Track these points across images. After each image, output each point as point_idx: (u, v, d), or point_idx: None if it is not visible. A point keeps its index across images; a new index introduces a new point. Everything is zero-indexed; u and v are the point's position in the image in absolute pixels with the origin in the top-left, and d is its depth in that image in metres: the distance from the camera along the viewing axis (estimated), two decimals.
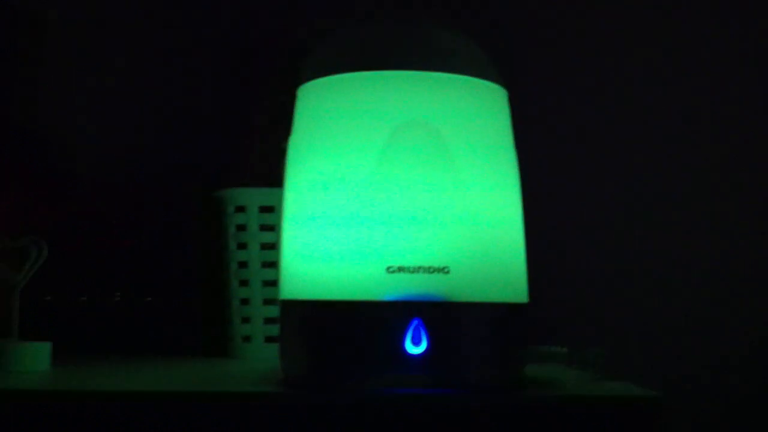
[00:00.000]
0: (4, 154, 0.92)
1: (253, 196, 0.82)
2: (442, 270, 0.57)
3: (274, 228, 0.81)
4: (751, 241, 0.96)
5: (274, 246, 0.82)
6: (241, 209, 0.82)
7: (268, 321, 0.82)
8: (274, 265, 0.81)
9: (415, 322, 0.57)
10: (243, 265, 0.82)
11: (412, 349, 0.57)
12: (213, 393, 0.57)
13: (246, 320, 0.82)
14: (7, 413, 0.55)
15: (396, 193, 0.58)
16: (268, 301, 0.82)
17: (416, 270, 0.57)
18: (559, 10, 0.99)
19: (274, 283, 0.82)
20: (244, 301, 0.83)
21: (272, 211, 0.82)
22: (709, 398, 0.93)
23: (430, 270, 0.57)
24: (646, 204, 0.97)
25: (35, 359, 0.67)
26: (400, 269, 0.57)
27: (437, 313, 0.57)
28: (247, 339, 0.82)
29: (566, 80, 0.98)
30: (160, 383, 0.62)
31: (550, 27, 0.99)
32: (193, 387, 0.60)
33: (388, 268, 0.57)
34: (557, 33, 0.99)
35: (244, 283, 0.83)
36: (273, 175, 0.84)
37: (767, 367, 0.94)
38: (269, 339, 0.82)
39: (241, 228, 0.82)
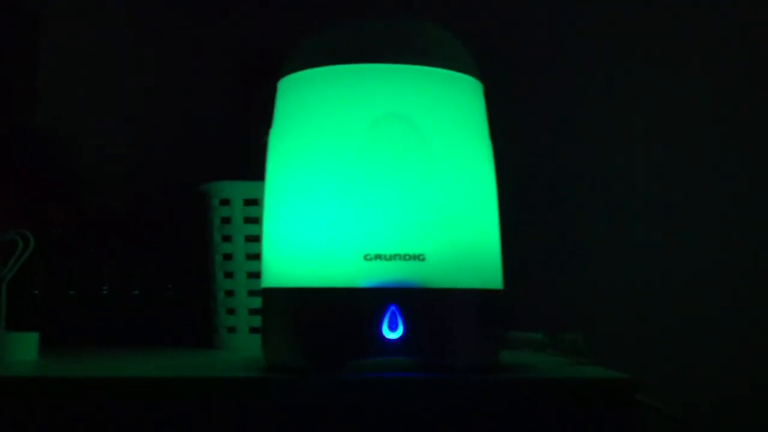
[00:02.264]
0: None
1: (237, 189, 0.83)
2: (418, 257, 0.59)
3: (258, 220, 0.83)
4: (730, 225, 0.98)
5: (258, 238, 0.83)
6: (225, 202, 0.83)
7: (253, 312, 0.83)
8: (258, 257, 0.83)
9: (392, 308, 0.58)
10: (228, 257, 0.84)
11: (389, 335, 0.58)
12: (198, 378, 0.59)
13: (231, 311, 0.84)
14: None
15: (373, 183, 0.60)
16: (253, 293, 0.83)
17: (393, 257, 0.59)
18: (540, 6, 1.01)
19: (258, 275, 0.83)
20: (229, 293, 0.84)
21: (256, 203, 0.83)
22: (685, 383, 0.95)
23: (407, 257, 0.59)
24: (620, 190, 0.99)
25: (23, 349, 0.68)
26: (377, 257, 0.59)
27: (413, 300, 0.58)
28: (231, 330, 0.84)
29: (541, 74, 1.00)
30: (147, 371, 0.63)
31: (529, 21, 1.01)
32: (179, 374, 0.62)
33: (366, 256, 0.59)
34: (535, 27, 1.01)
35: (228, 275, 0.84)
36: (257, 169, 0.86)
37: (745, 349, 0.96)
38: (254, 330, 0.83)
39: (226, 221, 0.84)
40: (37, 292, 0.93)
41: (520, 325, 0.70)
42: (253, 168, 0.86)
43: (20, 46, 0.99)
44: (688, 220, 0.98)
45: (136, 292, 0.95)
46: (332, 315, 0.59)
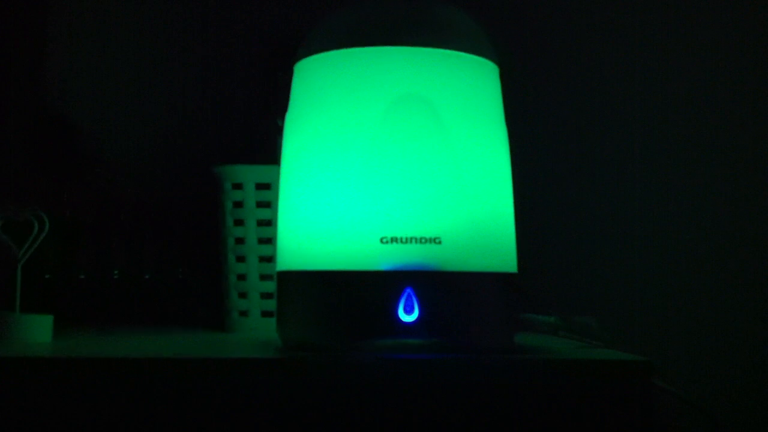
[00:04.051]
0: (11, 133, 0.94)
1: (249, 173, 0.83)
2: (434, 240, 0.59)
3: (270, 205, 0.83)
4: (741, 211, 0.98)
5: (270, 222, 0.83)
6: (238, 186, 0.84)
7: (265, 296, 0.84)
8: (270, 241, 0.83)
9: (408, 291, 0.59)
10: (240, 241, 0.84)
11: (405, 317, 0.59)
12: (215, 359, 0.59)
13: (243, 295, 0.84)
14: (11, 380, 0.57)
15: (390, 166, 0.60)
16: (264, 277, 0.84)
17: (409, 240, 0.59)
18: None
19: (270, 259, 0.83)
20: (241, 277, 0.84)
21: (269, 188, 0.83)
22: (698, 368, 0.95)
23: (423, 240, 0.59)
24: (634, 175, 0.99)
25: (38, 331, 0.69)
26: (393, 240, 0.59)
27: (429, 282, 0.59)
28: (243, 313, 0.84)
29: (556, 57, 1.00)
30: (163, 351, 0.64)
31: (544, 5, 1.01)
32: (195, 354, 0.62)
33: (382, 239, 0.59)
34: (550, 10, 1.01)
35: (240, 258, 0.84)
36: (270, 152, 0.86)
37: (759, 337, 0.97)
38: (265, 313, 0.84)
39: (238, 205, 0.84)
40: (48, 276, 0.94)
41: (533, 308, 0.70)
42: (264, 151, 0.87)
43: (27, 28, 0.99)
44: (705, 205, 0.98)
45: (147, 276, 0.96)
46: (349, 297, 0.59)
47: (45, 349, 0.64)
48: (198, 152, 0.96)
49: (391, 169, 0.60)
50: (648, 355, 0.60)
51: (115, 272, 0.95)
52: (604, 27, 1.00)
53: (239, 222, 0.84)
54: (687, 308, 0.97)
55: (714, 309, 0.97)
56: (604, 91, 1.00)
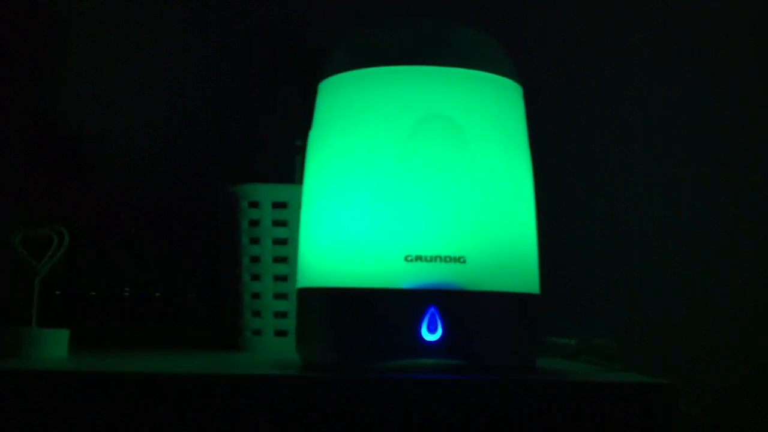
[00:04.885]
0: (25, 147, 0.94)
1: (266, 192, 0.83)
2: (459, 260, 0.59)
3: (286, 223, 0.83)
4: (761, 233, 0.98)
5: (286, 241, 0.83)
6: (254, 205, 0.83)
7: (279, 315, 0.83)
8: (285, 260, 0.83)
9: (431, 310, 0.58)
10: (255, 259, 0.84)
11: (428, 336, 0.58)
12: (234, 375, 0.58)
13: (256, 314, 0.84)
14: (29, 394, 0.56)
15: (415, 185, 0.60)
16: (279, 296, 0.83)
17: (433, 259, 0.59)
18: (572, 8, 1.01)
19: (285, 278, 0.83)
20: (255, 295, 0.84)
21: (285, 206, 0.83)
22: (719, 391, 0.94)
23: (447, 259, 0.59)
24: (656, 198, 0.98)
25: (54, 345, 0.68)
26: (418, 258, 0.59)
27: (453, 302, 0.59)
28: (257, 332, 0.84)
29: (579, 77, 1.00)
30: (179, 368, 0.63)
31: (564, 25, 1.01)
32: (211, 371, 0.61)
33: (406, 257, 0.59)
34: (571, 31, 1.01)
35: (255, 277, 0.84)
36: (286, 171, 0.86)
37: None
38: (279, 333, 0.83)
39: (254, 223, 0.84)
40: (59, 292, 0.93)
41: (554, 330, 0.70)
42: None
43: (39, 41, 0.99)
44: (728, 229, 0.98)
45: (158, 294, 0.95)
46: (372, 316, 0.59)
47: (62, 363, 0.64)
48: (216, 170, 0.95)
49: (415, 188, 0.60)
50: (669, 377, 0.59)
51: (126, 290, 0.95)
52: (631, 47, 1.00)
53: (255, 240, 0.84)
54: (709, 329, 0.96)
55: (737, 330, 0.96)
56: (629, 112, 1.00)
